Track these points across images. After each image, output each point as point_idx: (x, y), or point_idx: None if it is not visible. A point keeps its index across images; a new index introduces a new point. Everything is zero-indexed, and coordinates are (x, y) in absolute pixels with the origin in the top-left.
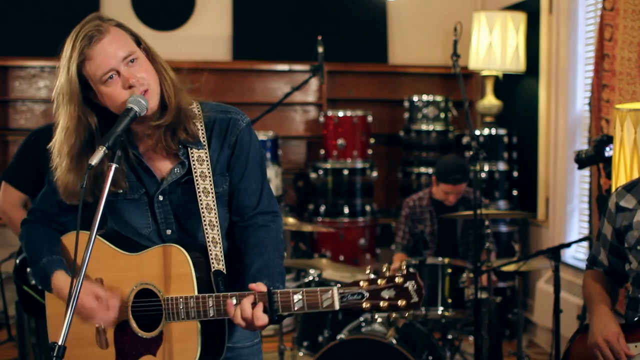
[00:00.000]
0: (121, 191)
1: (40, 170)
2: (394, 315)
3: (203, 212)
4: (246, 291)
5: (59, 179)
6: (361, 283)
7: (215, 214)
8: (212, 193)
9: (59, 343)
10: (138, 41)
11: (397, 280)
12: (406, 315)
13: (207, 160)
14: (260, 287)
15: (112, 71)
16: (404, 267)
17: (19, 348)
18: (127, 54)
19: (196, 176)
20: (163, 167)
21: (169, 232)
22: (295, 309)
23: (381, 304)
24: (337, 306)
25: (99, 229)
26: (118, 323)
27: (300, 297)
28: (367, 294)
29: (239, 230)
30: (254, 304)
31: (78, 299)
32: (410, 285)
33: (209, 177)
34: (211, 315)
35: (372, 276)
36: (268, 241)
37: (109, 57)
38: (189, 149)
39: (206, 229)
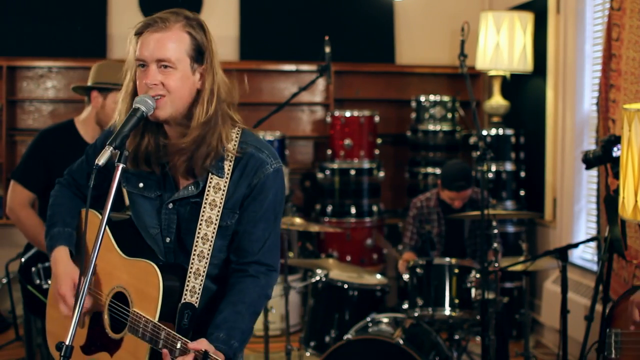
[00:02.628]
0: (141, 185)
1: (49, 169)
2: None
3: (197, 241)
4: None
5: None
6: None
7: (210, 245)
8: (214, 224)
9: (67, 343)
10: (200, 58)
11: None
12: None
13: (224, 191)
14: (201, 345)
15: (143, 61)
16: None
17: (27, 348)
18: (164, 58)
19: (205, 203)
20: (183, 179)
21: (167, 240)
22: None
23: None
24: None
25: (119, 212)
26: (96, 312)
27: None
28: None
29: (230, 270)
30: None
31: (60, 278)
32: None
33: (219, 207)
34: (159, 347)
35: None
36: (248, 293)
37: (147, 49)
38: (210, 173)
39: (193, 259)
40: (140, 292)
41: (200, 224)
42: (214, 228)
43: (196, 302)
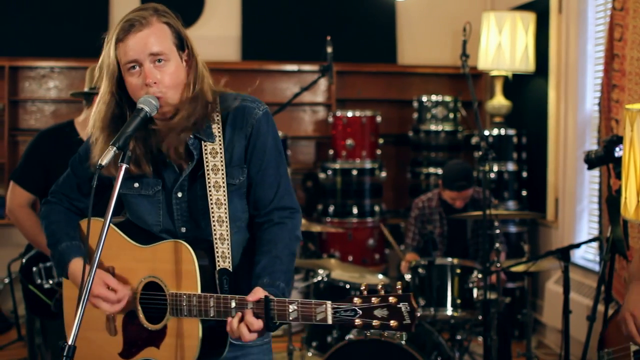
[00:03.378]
0: (137, 185)
1: (48, 170)
2: (386, 333)
3: (212, 208)
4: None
5: (100, 152)
6: (355, 300)
7: (225, 209)
8: (223, 187)
9: (69, 343)
10: (182, 44)
11: (390, 300)
12: (397, 336)
13: (221, 153)
14: (257, 294)
15: (136, 62)
16: (400, 287)
17: (29, 348)
18: (156, 52)
19: (208, 170)
20: (183, 162)
21: (183, 229)
22: (290, 318)
23: (373, 322)
24: (329, 321)
25: (117, 216)
26: (126, 312)
27: (295, 307)
28: (360, 312)
29: (255, 225)
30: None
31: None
32: (403, 307)
33: (222, 170)
34: (211, 315)
35: (366, 293)
36: (279, 238)
37: (137, 48)
38: (202, 142)
39: (214, 225)
40: (173, 273)
41: (210, 191)
42: (224, 190)
43: (229, 267)
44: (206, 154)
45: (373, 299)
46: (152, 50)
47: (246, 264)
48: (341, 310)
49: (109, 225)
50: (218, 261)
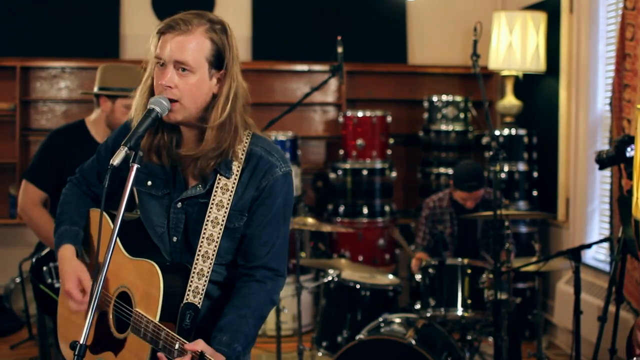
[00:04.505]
0: (150, 184)
1: (61, 168)
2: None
3: (202, 242)
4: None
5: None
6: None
7: (215, 246)
8: (221, 225)
9: (81, 342)
10: (219, 63)
11: None
12: None
13: (232, 192)
14: (197, 346)
15: (162, 60)
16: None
17: (40, 347)
18: (182, 61)
19: (212, 204)
20: (193, 178)
21: (175, 239)
22: None
23: None
24: None
25: (129, 211)
26: (102, 312)
27: None
28: None
29: (237, 273)
30: None
31: (66, 274)
32: None
33: (226, 209)
34: (159, 347)
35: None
36: (254, 298)
37: (167, 49)
38: (217, 174)
39: (197, 259)
40: (143, 292)
41: (206, 225)
42: (220, 229)
43: (199, 303)
44: (217, 187)
45: None
46: (177, 58)
47: (214, 305)
48: None
49: (119, 228)
50: (187, 295)
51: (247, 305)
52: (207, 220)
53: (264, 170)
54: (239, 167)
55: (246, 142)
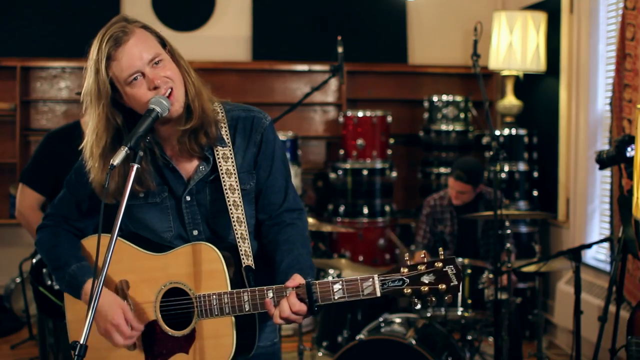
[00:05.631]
0: (142, 195)
1: (57, 170)
2: (433, 299)
3: (231, 209)
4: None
5: (95, 180)
6: (401, 269)
7: (242, 210)
8: (238, 190)
9: (81, 342)
10: (163, 43)
11: (436, 264)
12: (447, 298)
13: (232, 158)
14: (297, 280)
15: (137, 73)
16: (441, 252)
17: (40, 347)
18: (152, 56)
19: (222, 173)
20: (189, 167)
21: (195, 232)
22: (336, 297)
23: (422, 288)
24: (378, 293)
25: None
26: (146, 325)
27: (340, 286)
28: (407, 280)
29: (266, 229)
30: (291, 301)
31: (105, 312)
32: (449, 269)
33: (235, 174)
34: (247, 309)
35: (410, 263)
36: (296, 238)
37: (134, 59)
38: (213, 147)
39: (234, 225)
40: (198, 275)
41: (227, 193)
42: (239, 193)
43: (252, 264)
44: (218, 158)
45: (419, 266)
46: (149, 55)
47: (259, 270)
48: (389, 281)
49: (118, 228)
50: (243, 259)
51: (295, 246)
52: (225, 189)
53: (253, 126)
54: (227, 134)
55: (222, 111)
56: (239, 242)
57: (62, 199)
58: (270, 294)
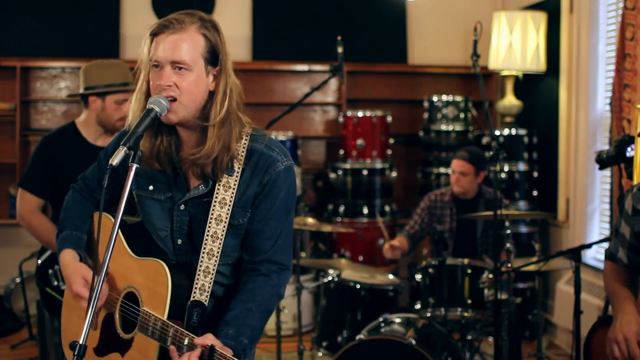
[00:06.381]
0: (151, 188)
1: (55, 172)
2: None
3: (207, 239)
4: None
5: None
6: None
7: (219, 244)
8: (224, 222)
9: (80, 342)
10: (214, 60)
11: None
12: None
13: (234, 189)
14: (206, 340)
15: (158, 63)
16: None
17: (40, 347)
18: (179, 61)
19: (215, 202)
20: (195, 178)
21: (179, 241)
22: None
23: None
24: None
25: (130, 214)
26: (108, 312)
27: None
28: None
29: (242, 268)
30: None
31: (70, 279)
32: None
33: (229, 205)
34: (168, 344)
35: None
36: (260, 292)
37: (163, 50)
38: (219, 172)
39: (202, 257)
40: (151, 291)
41: (210, 222)
42: (224, 226)
43: (205, 300)
44: (219, 185)
45: None
46: (174, 58)
47: (221, 302)
48: None
49: (118, 227)
50: (194, 292)
51: (253, 299)
52: (211, 218)
53: (266, 166)
54: (240, 164)
55: (246, 140)
56: (198, 274)
57: (92, 170)
58: (186, 341)
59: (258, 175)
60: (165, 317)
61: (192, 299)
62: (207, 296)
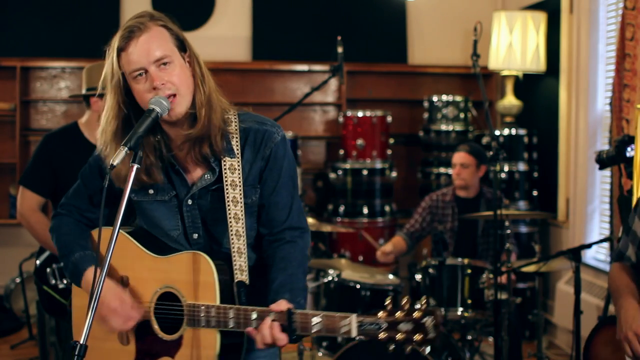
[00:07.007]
0: (152, 192)
1: (56, 171)
2: (408, 348)
3: (230, 222)
4: (268, 305)
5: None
6: (380, 314)
7: (242, 223)
8: (241, 202)
9: (81, 342)
10: (183, 46)
11: (415, 314)
12: (421, 350)
13: (239, 169)
14: (281, 305)
15: (141, 70)
16: (424, 302)
17: (40, 347)
18: (160, 56)
19: (226, 185)
20: (195, 172)
21: (195, 236)
22: (313, 331)
23: (397, 336)
24: (354, 334)
25: (125, 225)
26: (140, 322)
27: (319, 319)
28: (384, 325)
29: (266, 243)
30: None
31: (103, 297)
32: (428, 320)
33: (240, 186)
34: (230, 326)
35: (390, 307)
36: (293, 257)
37: (140, 55)
38: (221, 157)
39: (232, 238)
40: (192, 284)
41: (229, 205)
42: (241, 206)
43: (246, 279)
44: (225, 169)
45: (398, 313)
46: (155, 56)
47: (256, 281)
48: (366, 324)
49: (119, 226)
50: (236, 274)
51: (291, 265)
52: (228, 201)
53: (263, 140)
54: (237, 145)
55: (235, 122)
56: (234, 256)
57: (76, 190)
58: (254, 315)
59: (259, 150)
60: (217, 303)
61: (235, 280)
62: (246, 275)
